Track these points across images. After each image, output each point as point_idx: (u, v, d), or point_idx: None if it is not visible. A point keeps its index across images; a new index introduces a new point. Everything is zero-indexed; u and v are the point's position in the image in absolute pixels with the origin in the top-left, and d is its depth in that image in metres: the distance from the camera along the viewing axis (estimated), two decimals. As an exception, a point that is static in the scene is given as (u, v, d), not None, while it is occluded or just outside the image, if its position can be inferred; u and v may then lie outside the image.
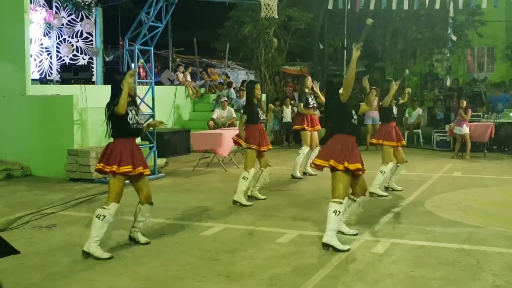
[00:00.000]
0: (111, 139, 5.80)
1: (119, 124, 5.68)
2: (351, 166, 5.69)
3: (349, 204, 6.03)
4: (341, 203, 5.67)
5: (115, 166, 5.56)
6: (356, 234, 6.24)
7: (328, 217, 5.69)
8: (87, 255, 5.47)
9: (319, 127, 10.75)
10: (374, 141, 9.07)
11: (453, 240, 6.03)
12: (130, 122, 5.70)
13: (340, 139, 5.87)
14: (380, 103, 8.89)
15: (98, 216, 5.52)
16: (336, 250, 5.61)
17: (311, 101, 10.45)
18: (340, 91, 5.81)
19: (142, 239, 6.01)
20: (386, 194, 8.65)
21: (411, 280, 4.81)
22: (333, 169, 5.76)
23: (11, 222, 7.00)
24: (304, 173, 10.68)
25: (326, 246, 5.67)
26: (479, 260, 5.29)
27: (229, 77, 18.85)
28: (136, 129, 5.80)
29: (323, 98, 9.87)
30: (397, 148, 8.80)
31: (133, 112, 5.78)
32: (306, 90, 10.49)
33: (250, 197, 8.26)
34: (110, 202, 5.57)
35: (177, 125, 16.11)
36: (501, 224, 6.70)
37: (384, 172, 8.63)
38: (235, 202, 7.95)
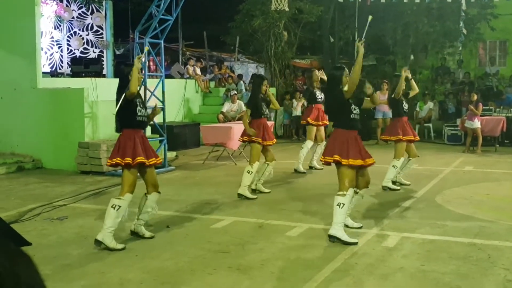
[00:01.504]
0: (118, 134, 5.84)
1: (128, 115, 5.71)
2: (352, 162, 5.70)
3: (352, 196, 6.02)
4: (344, 195, 5.69)
5: (128, 159, 5.59)
6: (360, 227, 6.22)
7: (334, 210, 5.73)
8: (99, 244, 5.49)
9: (326, 121, 10.70)
10: (386, 137, 8.95)
11: (464, 234, 6.00)
12: (139, 114, 5.76)
13: (341, 134, 5.88)
14: (392, 95, 8.83)
15: (114, 206, 5.56)
16: (343, 242, 5.61)
17: (319, 95, 10.42)
18: (345, 88, 5.80)
19: (147, 233, 5.94)
20: (398, 187, 8.63)
21: (422, 274, 4.79)
22: (337, 164, 5.78)
23: (23, 214, 7.05)
24: (310, 167, 10.65)
25: (333, 238, 5.70)
26: (491, 255, 5.26)
27: (233, 72, 18.82)
28: (143, 122, 5.88)
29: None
30: (410, 142, 8.77)
31: (140, 104, 5.84)
32: (314, 84, 10.48)
33: (254, 191, 8.28)
34: (125, 193, 5.61)
35: (187, 119, 16.13)
36: (512, 218, 6.66)
37: (396, 167, 8.63)
38: (240, 195, 8.00)
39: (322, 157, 6.03)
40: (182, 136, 13.84)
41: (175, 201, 7.77)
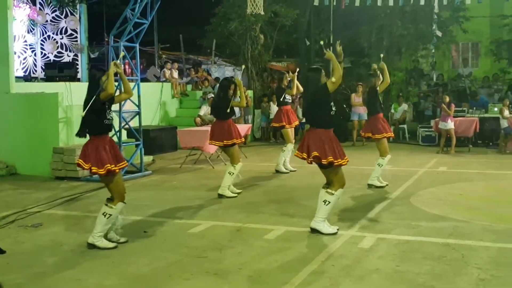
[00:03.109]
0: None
1: (98, 118, 5.67)
2: (340, 162, 5.93)
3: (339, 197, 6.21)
4: (332, 194, 5.99)
5: (109, 166, 5.58)
6: (336, 233, 6.17)
7: (319, 205, 6.06)
8: (92, 246, 5.67)
9: (297, 122, 10.89)
10: (368, 134, 9.05)
11: (439, 234, 6.08)
12: (108, 117, 5.76)
13: (323, 133, 6.02)
14: (365, 96, 8.98)
15: (105, 214, 5.67)
16: (325, 234, 5.96)
17: (287, 97, 10.62)
18: (333, 79, 5.91)
19: (121, 238, 5.91)
20: (383, 184, 8.83)
21: (397, 275, 4.85)
22: (329, 164, 5.96)
23: (-3, 221, 6.95)
24: (277, 171, 10.71)
25: (314, 231, 6.04)
26: (464, 255, 5.35)
27: (210, 75, 18.82)
28: (110, 125, 5.89)
29: (301, 88, 10.03)
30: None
31: (109, 107, 5.83)
32: (283, 87, 10.64)
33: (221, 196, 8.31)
34: (117, 202, 5.69)
35: (164, 122, 16.06)
36: (486, 218, 6.78)
37: (382, 165, 8.81)
38: (220, 195, 8.21)
39: (305, 155, 6.06)
40: (158, 140, 13.78)
41: (152, 206, 7.73)
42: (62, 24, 15.81)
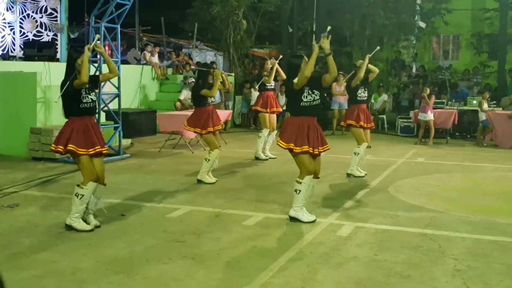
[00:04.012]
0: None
1: (72, 103, 5.69)
2: (298, 149, 5.93)
3: (309, 184, 6.18)
4: (300, 182, 6.05)
5: (82, 150, 5.61)
6: (314, 221, 6.20)
7: (294, 195, 6.11)
8: (69, 228, 5.64)
9: (278, 109, 10.83)
10: (342, 123, 9.23)
11: (416, 224, 6.14)
12: (84, 100, 5.72)
13: (292, 121, 6.08)
14: (346, 84, 8.99)
15: (77, 194, 5.64)
16: (304, 222, 6.03)
17: (268, 84, 10.56)
18: (295, 80, 5.88)
19: (93, 221, 5.85)
20: (363, 174, 8.88)
21: (374, 263, 4.89)
22: (291, 151, 6.04)
23: (-29, 201, 6.83)
24: (256, 158, 10.70)
25: (293, 219, 6.10)
26: (441, 245, 5.40)
27: (192, 59, 18.65)
28: (90, 108, 5.81)
29: (283, 75, 9.97)
30: (366, 130, 8.95)
31: (86, 90, 5.76)
32: (265, 73, 10.58)
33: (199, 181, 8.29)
34: (86, 182, 5.65)
35: (143, 106, 15.91)
36: (462, 209, 6.86)
37: (358, 153, 8.85)
38: (199, 181, 8.20)
39: (279, 140, 6.12)
40: (137, 123, 13.67)
41: (130, 189, 7.67)
42: (42, 3, 15.50)
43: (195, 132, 8.66)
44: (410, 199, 7.40)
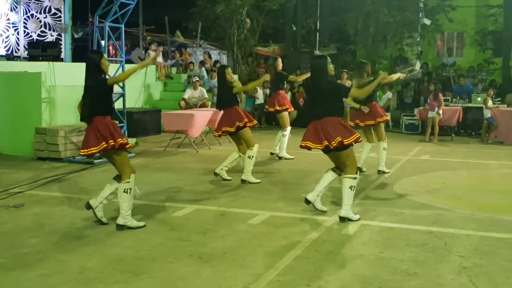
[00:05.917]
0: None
1: (107, 101, 5.87)
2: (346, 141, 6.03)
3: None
4: (355, 178, 6.10)
5: (113, 140, 5.69)
6: (325, 211, 6.39)
7: (343, 192, 6.08)
8: (121, 227, 5.71)
9: (289, 108, 10.75)
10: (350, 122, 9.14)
11: (422, 222, 6.13)
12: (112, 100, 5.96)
13: (333, 121, 6.10)
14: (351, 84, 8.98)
15: (125, 190, 5.72)
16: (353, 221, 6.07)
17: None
18: (351, 93, 6.25)
19: (105, 219, 5.92)
20: (388, 171, 9.02)
21: (380, 261, 4.88)
22: (338, 148, 6.06)
23: (-23, 201, 6.86)
24: (271, 154, 10.67)
25: (343, 219, 6.06)
26: (447, 242, 5.40)
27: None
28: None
29: (297, 78, 9.98)
30: (376, 126, 8.97)
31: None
32: (283, 73, 10.63)
33: (216, 175, 8.30)
34: (129, 174, 5.77)
35: (148, 105, 15.93)
36: (468, 207, 6.84)
37: (385, 149, 9.02)
38: (243, 181, 8.13)
39: (309, 142, 6.16)
40: (142, 123, 13.68)
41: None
42: (46, 3, 15.51)
43: (244, 126, 8.16)
44: (415, 196, 7.39)
